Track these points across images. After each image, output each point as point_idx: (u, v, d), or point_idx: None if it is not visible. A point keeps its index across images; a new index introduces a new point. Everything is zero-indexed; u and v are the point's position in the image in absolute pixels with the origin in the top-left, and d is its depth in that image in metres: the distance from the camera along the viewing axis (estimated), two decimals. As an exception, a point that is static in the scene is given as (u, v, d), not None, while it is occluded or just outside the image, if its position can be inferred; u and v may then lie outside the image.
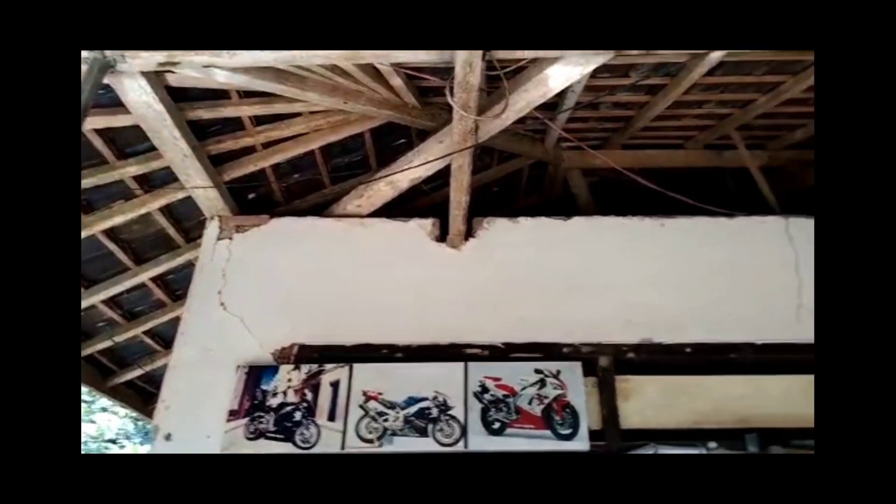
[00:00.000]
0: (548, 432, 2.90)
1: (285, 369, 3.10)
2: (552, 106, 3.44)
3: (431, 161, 3.02)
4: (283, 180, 3.78)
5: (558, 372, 3.01)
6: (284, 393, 3.06)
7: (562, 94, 3.23)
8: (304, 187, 3.88)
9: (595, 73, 3.01)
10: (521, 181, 4.72)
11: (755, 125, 3.82)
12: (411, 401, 3.01)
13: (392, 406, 3.00)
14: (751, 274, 3.19)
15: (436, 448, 2.92)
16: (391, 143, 3.84)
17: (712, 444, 2.83)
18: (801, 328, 3.06)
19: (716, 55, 2.73)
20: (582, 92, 3.17)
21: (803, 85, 3.12)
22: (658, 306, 3.12)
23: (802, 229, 3.31)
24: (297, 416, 3.01)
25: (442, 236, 3.46)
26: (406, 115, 3.34)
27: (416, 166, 3.09)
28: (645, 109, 3.52)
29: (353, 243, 3.43)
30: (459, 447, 2.91)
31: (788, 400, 2.96)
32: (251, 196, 3.75)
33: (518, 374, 3.04)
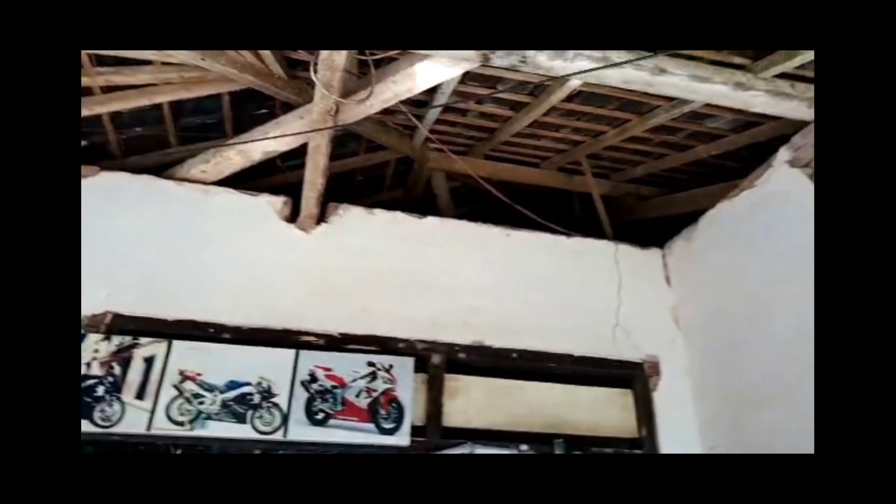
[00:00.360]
0: (371, 425, 2.90)
1: (93, 338, 2.80)
2: (423, 104, 3.45)
3: (287, 136, 2.89)
4: (123, 132, 3.41)
5: (391, 366, 3.02)
6: (88, 364, 2.75)
7: (433, 95, 3.26)
8: (145, 143, 3.52)
9: (465, 80, 3.07)
10: (386, 174, 4.69)
11: (603, 156, 4.14)
12: (233, 385, 2.85)
13: (211, 389, 2.82)
14: (579, 291, 3.44)
15: (253, 436, 2.80)
16: (252, 111, 3.61)
17: (524, 447, 3.01)
18: (615, 346, 3.36)
19: (574, 83, 2.90)
20: (451, 95, 3.22)
21: (647, 125, 3.43)
22: (494, 311, 3.26)
23: (628, 256, 3.64)
24: (100, 390, 2.73)
25: (292, 217, 3.33)
26: (270, 85, 3.15)
27: (270, 138, 2.94)
28: (508, 124, 3.65)
29: (191, 211, 3.18)
30: (278, 436, 2.82)
31: (596, 410, 3.23)
32: (82, 143, 3.33)
33: (351, 365, 3.01)
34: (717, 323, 3.24)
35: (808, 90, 2.69)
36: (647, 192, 4.48)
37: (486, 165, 4.32)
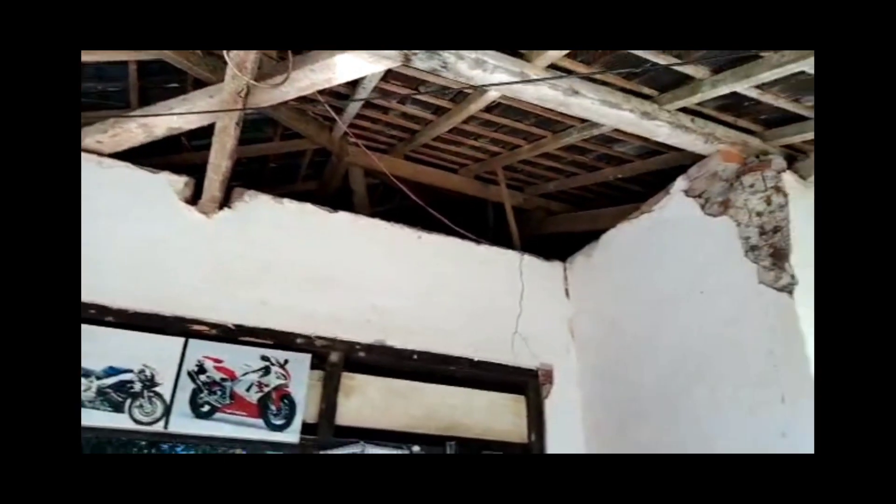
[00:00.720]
0: (260, 421, 2.81)
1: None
2: (345, 97, 3.40)
3: (194, 114, 2.75)
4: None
5: (286, 361, 2.94)
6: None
7: (354, 89, 3.21)
8: (35, 103, 3.22)
9: (388, 79, 3.05)
10: (302, 164, 4.57)
11: (518, 168, 4.25)
12: (112, 371, 2.67)
13: (87, 374, 2.63)
14: (483, 297, 3.51)
15: (130, 426, 2.64)
16: (161, 84, 3.41)
17: (416, 448, 3.02)
18: (513, 352, 3.45)
19: (493, 94, 2.96)
20: (373, 92, 3.19)
21: (560, 143, 3.55)
22: (397, 312, 3.25)
23: (532, 267, 3.76)
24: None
25: (194, 199, 3.17)
26: (183, 59, 2.98)
27: (175, 114, 2.78)
28: (429, 127, 3.67)
29: (82, 183, 2.94)
30: (158, 427, 2.67)
31: (490, 414, 3.30)
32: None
33: (243, 358, 2.90)
34: (608, 337, 3.41)
35: (706, 126, 2.90)
36: (556, 207, 4.64)
37: (406, 166, 4.32)
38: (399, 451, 2.95)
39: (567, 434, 3.33)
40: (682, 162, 3.35)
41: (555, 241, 4.34)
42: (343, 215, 3.42)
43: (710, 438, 2.65)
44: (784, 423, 2.38)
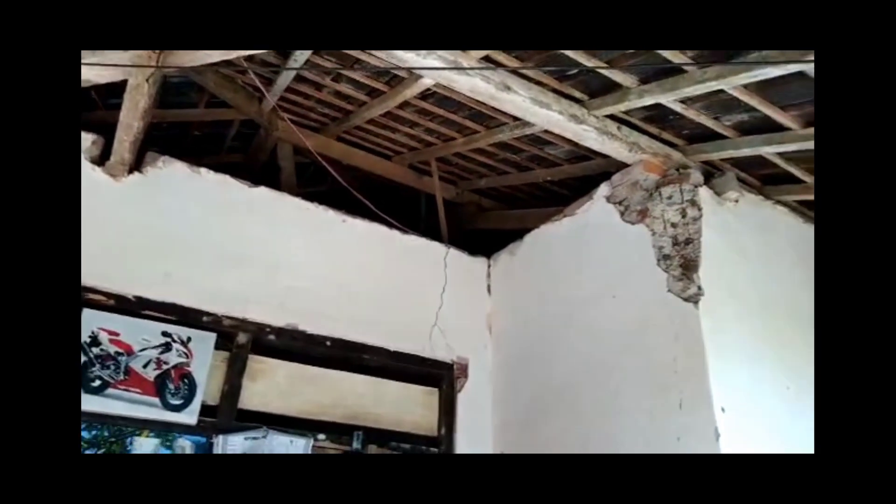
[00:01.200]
0: (156, 400, 2.66)
1: None
2: (276, 68, 3.26)
3: (104, 66, 2.55)
4: None
5: (189, 339, 2.80)
6: None
7: (286, 60, 3.08)
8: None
9: (321, 53, 2.95)
10: (227, 134, 4.37)
11: (452, 162, 4.23)
12: (-12, 337, 2.44)
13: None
14: (404, 288, 3.47)
15: (5, 398, 2.42)
16: (74, 32, 3.15)
17: (321, 436, 2.95)
18: (431, 345, 3.43)
19: (427, 81, 2.91)
20: (305, 64, 3.07)
21: (493, 139, 3.55)
22: (313, 296, 3.16)
23: (457, 261, 3.75)
24: None
25: (101, 160, 2.95)
26: (98, 7, 2.77)
27: (84, 64, 2.56)
28: (363, 109, 3.58)
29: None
30: (38, 402, 2.46)
31: (401, 405, 3.27)
32: None
33: (142, 332, 2.74)
34: (522, 335, 3.45)
35: (631, 135, 2.96)
36: (488, 204, 4.66)
37: (338, 147, 4.21)
38: (303, 439, 2.87)
39: (476, 428, 3.35)
40: (609, 169, 3.42)
41: (485, 238, 4.35)
42: (264, 191, 3.28)
43: (612, 438, 2.72)
44: (680, 429, 2.47)
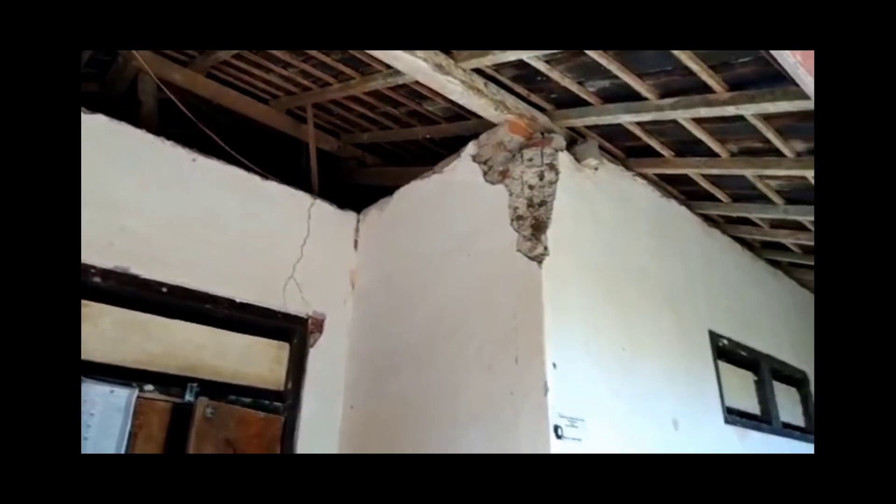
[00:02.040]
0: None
1: None
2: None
3: None
4: None
5: None
6: None
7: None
8: None
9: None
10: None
11: (332, 111, 4.04)
12: None
13: None
14: (259, 236, 3.27)
15: None
16: None
17: (149, 387, 2.74)
18: (284, 298, 3.28)
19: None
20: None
21: (368, 87, 3.39)
22: (151, 239, 2.90)
23: (324, 213, 3.60)
24: None
25: None
26: None
27: None
28: (228, 41, 3.31)
29: None
30: None
31: (245, 358, 3.11)
32: None
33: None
34: (382, 291, 3.38)
35: (498, 93, 2.91)
36: (370, 160, 4.53)
37: (208, 85, 3.91)
38: (127, 389, 2.65)
39: (327, 384, 3.25)
40: (483, 129, 3.38)
41: (364, 193, 4.21)
42: (101, 119, 2.95)
43: (453, 392, 2.72)
44: (513, 383, 2.50)
